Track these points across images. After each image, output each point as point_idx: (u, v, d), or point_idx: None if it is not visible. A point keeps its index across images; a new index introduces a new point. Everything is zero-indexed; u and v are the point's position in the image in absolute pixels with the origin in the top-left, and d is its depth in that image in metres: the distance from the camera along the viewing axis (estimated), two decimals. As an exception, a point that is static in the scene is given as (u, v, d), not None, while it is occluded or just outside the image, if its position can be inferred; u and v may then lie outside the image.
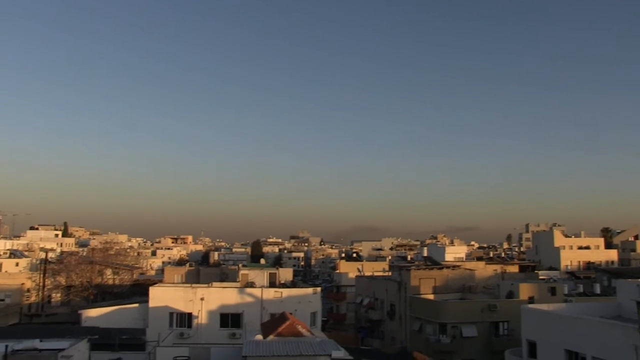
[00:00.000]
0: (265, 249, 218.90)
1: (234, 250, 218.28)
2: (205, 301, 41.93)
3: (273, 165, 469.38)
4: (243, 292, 43.48)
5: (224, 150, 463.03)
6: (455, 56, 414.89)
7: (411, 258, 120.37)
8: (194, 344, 36.71)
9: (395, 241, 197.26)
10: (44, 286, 61.98)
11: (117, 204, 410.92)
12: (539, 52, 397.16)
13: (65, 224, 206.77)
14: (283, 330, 29.28)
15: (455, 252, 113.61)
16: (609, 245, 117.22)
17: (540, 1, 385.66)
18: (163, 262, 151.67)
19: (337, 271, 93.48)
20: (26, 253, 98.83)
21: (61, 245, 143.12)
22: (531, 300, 50.53)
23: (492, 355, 48.16)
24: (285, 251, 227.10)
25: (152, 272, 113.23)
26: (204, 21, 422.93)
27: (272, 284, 49.32)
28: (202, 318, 41.76)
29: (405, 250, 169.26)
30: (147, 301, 42.50)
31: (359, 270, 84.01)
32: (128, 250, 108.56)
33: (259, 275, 50.75)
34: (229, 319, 42.07)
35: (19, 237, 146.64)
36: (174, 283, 55.64)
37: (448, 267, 63.60)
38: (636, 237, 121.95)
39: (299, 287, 49.24)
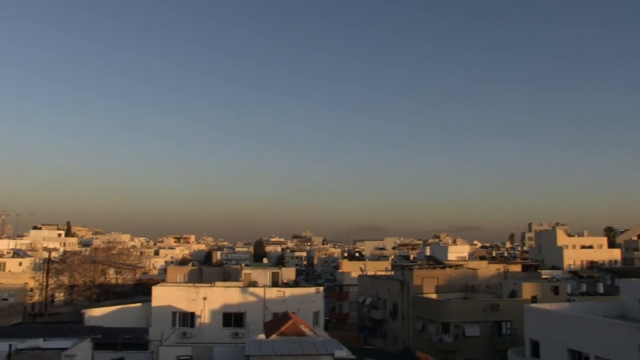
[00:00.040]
0: (268, 249, 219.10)
1: (236, 249, 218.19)
2: (208, 301, 42.00)
3: (273, 164, 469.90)
4: (246, 291, 43.54)
5: (225, 150, 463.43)
6: (456, 55, 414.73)
7: (414, 257, 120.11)
8: (197, 344, 36.78)
9: (398, 240, 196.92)
10: (47, 286, 62.15)
11: (119, 203, 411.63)
12: (539, 51, 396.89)
13: (68, 223, 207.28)
14: (286, 330, 29.31)
15: (457, 252, 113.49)
16: (612, 245, 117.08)
17: (540, 0, 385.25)
18: (166, 262, 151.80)
19: (340, 270, 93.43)
20: (29, 253, 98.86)
21: (64, 245, 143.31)
22: (534, 299, 50.42)
23: (495, 354, 48.14)
24: (288, 250, 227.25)
25: (155, 272, 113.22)
26: (204, 20, 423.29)
27: (275, 283, 49.36)
28: (204, 317, 41.84)
29: (407, 249, 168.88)
30: (149, 301, 42.61)
31: (361, 270, 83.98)
32: (131, 249, 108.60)
33: (261, 275, 50.79)
34: (232, 318, 42.14)
35: (22, 236, 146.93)
36: (176, 282, 55.68)
37: (451, 267, 63.49)
38: (639, 237, 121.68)
39: (301, 287, 49.25)
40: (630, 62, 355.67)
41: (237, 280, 50.71)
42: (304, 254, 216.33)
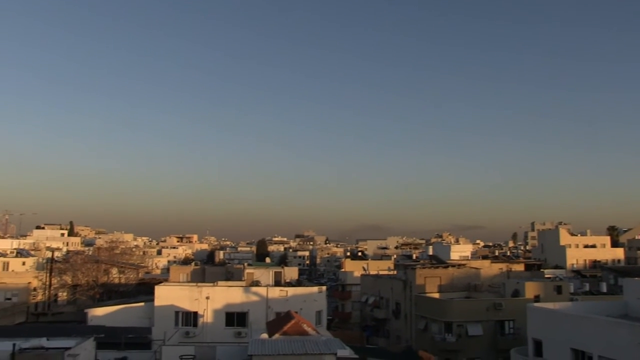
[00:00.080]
0: (271, 248, 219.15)
1: (239, 249, 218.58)
2: (211, 300, 42.02)
3: (274, 163, 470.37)
4: (248, 291, 43.56)
5: (225, 149, 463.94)
6: (455, 54, 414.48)
7: (416, 257, 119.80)
8: (200, 343, 36.86)
9: (401, 240, 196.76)
10: (50, 285, 62.26)
11: (121, 203, 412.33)
12: (539, 50, 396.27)
13: (71, 223, 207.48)
14: (288, 329, 29.32)
15: (460, 251, 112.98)
16: (615, 244, 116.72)
17: (540, 0, 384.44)
18: (168, 261, 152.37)
19: (343, 270, 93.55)
20: (32, 252, 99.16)
21: (67, 245, 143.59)
22: (537, 298, 50.36)
23: (498, 354, 48.10)
24: (291, 250, 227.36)
25: (158, 271, 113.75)
26: (205, 19, 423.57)
27: (278, 282, 49.31)
28: (207, 317, 41.87)
29: (410, 249, 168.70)
30: (152, 300, 42.63)
31: (364, 269, 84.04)
32: (134, 249, 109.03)
33: (264, 274, 50.75)
34: (235, 317, 42.16)
35: (25, 236, 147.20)
36: (179, 282, 55.75)
37: (453, 266, 63.43)
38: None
39: (304, 286, 49.21)
40: (630, 61, 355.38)
41: (240, 279, 50.73)
42: (307, 253, 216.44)
